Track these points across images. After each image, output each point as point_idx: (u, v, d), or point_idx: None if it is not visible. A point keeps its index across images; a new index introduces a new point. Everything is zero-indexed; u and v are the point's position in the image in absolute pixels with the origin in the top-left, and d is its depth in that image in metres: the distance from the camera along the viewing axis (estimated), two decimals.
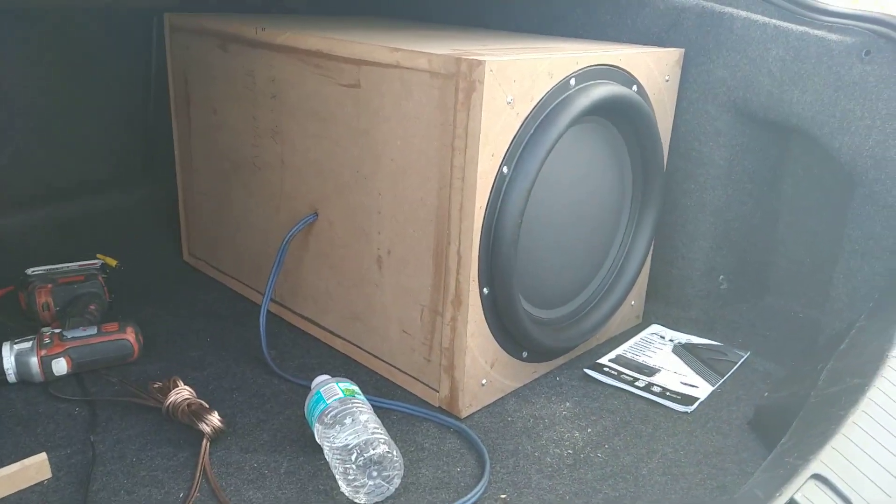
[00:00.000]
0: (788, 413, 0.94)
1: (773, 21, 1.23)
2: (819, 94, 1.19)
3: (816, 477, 0.58)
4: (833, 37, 1.17)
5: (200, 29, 1.38)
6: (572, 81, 1.04)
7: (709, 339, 1.35)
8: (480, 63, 0.91)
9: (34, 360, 1.10)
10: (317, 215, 1.23)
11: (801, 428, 0.73)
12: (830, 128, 1.19)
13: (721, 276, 1.40)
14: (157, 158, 1.86)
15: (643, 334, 1.36)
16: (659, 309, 1.43)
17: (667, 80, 1.25)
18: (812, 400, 0.78)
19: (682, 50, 1.28)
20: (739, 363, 1.26)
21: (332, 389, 0.99)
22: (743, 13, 1.26)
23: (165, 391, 1.04)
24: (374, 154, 1.10)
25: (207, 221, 1.52)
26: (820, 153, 1.27)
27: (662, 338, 1.34)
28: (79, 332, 1.15)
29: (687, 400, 1.14)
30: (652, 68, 1.20)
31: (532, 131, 1.00)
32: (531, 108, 1.00)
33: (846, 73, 1.16)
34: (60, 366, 1.11)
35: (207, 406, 1.02)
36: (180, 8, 1.56)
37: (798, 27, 1.20)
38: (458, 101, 0.95)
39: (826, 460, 0.61)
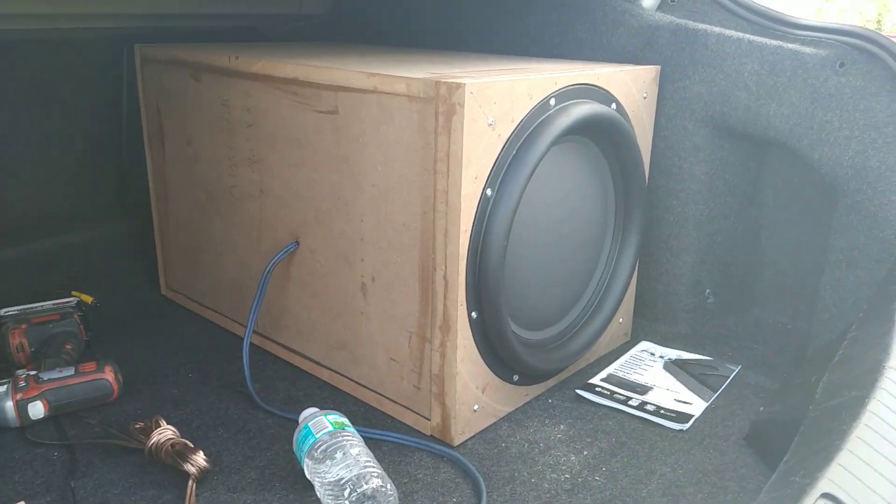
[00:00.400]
0: (785, 427, 0.93)
1: (747, 36, 1.24)
2: (796, 107, 1.20)
3: (826, 496, 0.57)
4: (807, 50, 1.18)
5: (172, 59, 1.36)
6: (552, 101, 1.04)
7: (698, 353, 1.34)
8: (460, 86, 0.90)
9: (9, 405, 1.06)
10: (298, 244, 1.21)
11: (804, 444, 0.72)
12: (809, 139, 1.19)
13: (707, 290, 1.40)
14: (132, 191, 1.83)
15: (633, 352, 1.35)
16: (647, 325, 1.43)
17: (645, 98, 1.25)
18: (812, 414, 0.77)
19: (659, 67, 1.29)
20: (731, 377, 1.25)
21: (320, 422, 0.96)
22: (717, 29, 1.27)
23: (147, 431, 1.01)
24: (354, 180, 1.08)
25: (185, 253, 1.49)
26: (800, 165, 1.28)
27: (652, 354, 1.33)
28: (55, 374, 1.11)
29: (682, 417, 1.12)
30: (630, 86, 1.20)
31: (514, 152, 0.99)
32: (512, 130, 0.99)
33: (822, 86, 1.17)
34: (37, 409, 1.07)
35: (192, 445, 0.98)
36: (151, 39, 1.54)
37: (772, 41, 1.22)
38: (439, 125, 0.94)
39: (834, 478, 0.59)
